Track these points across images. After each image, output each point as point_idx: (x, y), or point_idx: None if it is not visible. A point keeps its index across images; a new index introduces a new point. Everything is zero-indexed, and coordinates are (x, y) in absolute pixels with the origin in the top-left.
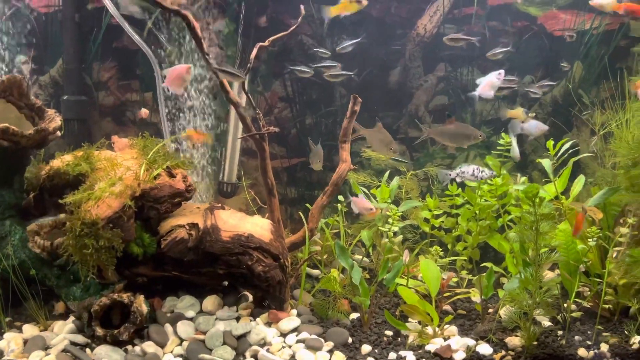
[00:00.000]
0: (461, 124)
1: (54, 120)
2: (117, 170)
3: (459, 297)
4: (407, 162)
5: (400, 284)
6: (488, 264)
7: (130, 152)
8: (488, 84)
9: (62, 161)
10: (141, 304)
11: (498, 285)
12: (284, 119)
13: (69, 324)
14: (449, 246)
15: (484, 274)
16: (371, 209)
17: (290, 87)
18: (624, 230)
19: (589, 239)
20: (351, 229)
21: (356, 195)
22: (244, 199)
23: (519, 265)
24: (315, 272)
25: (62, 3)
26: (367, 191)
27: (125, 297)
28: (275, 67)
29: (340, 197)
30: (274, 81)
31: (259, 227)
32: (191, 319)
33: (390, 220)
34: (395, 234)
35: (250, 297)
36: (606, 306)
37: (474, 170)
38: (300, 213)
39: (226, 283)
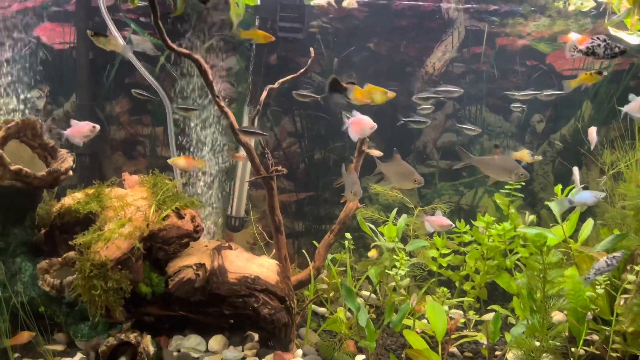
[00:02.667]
0: (505, 156)
1: (66, 160)
2: (127, 210)
3: (466, 339)
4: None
5: (407, 326)
6: (495, 307)
7: (140, 190)
8: (638, 104)
9: (73, 199)
10: (148, 345)
11: (506, 325)
12: (292, 153)
13: None
14: (457, 284)
15: (490, 319)
16: (450, 225)
17: (299, 123)
18: (631, 277)
19: (597, 286)
20: (358, 265)
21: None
22: (252, 232)
23: (525, 311)
24: (322, 309)
25: (76, 40)
26: (374, 227)
27: (132, 337)
28: (285, 103)
29: (348, 235)
30: (283, 117)
31: (265, 268)
32: (197, 359)
33: (397, 263)
34: (401, 277)
35: (256, 337)
36: (614, 354)
37: None
38: (304, 252)
39: (232, 321)
